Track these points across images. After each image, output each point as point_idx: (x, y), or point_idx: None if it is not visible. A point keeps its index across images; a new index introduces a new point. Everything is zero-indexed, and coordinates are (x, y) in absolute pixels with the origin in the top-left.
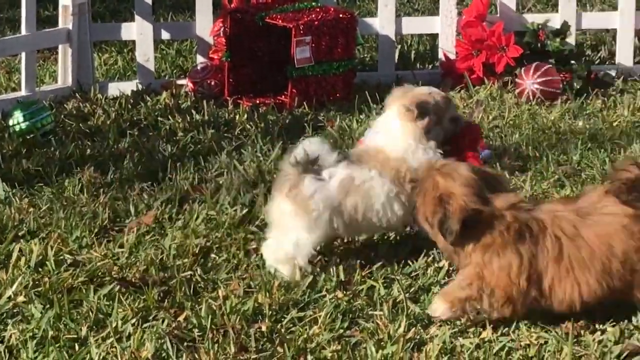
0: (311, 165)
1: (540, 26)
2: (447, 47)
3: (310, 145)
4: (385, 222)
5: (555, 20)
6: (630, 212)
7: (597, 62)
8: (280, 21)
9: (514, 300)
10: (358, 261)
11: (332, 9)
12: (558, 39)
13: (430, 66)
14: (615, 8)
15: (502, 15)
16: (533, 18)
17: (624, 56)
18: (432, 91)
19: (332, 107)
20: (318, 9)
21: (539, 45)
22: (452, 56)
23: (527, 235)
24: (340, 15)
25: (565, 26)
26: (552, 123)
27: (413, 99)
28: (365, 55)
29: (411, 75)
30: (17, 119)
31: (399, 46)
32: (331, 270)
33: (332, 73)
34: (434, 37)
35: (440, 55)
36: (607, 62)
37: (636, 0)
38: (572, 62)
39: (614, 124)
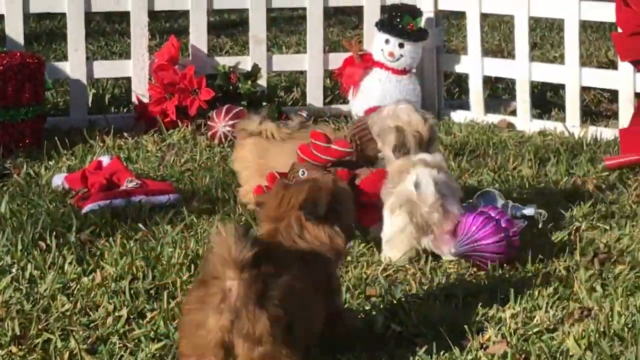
0: None
1: (231, 69)
2: (141, 90)
3: None
4: None
5: (246, 63)
6: None
7: (289, 103)
8: None
9: None
10: (35, 314)
11: (19, 54)
12: (249, 82)
13: (125, 110)
14: (306, 51)
15: (193, 59)
16: (224, 61)
17: (314, 97)
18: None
19: (20, 153)
20: (3, 54)
21: (230, 87)
22: (146, 100)
23: None
24: (27, 60)
25: (255, 69)
26: None
27: None
28: (59, 99)
29: (104, 120)
30: None
31: (93, 90)
32: (6, 324)
33: (20, 119)
34: (129, 80)
35: (134, 99)
36: (299, 103)
37: (328, 43)
38: (264, 103)
39: None
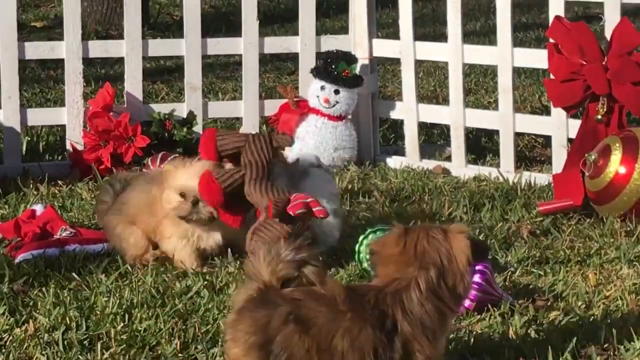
0: None
1: (167, 116)
2: (75, 137)
3: None
4: None
5: (182, 110)
6: None
7: None
8: None
9: None
10: None
11: None
12: (185, 128)
13: (59, 157)
14: (242, 97)
15: (129, 106)
16: (160, 108)
17: None
18: None
19: None
20: None
21: (166, 134)
22: (80, 147)
23: None
24: None
25: (191, 116)
26: None
27: None
28: None
29: (38, 168)
30: None
31: (27, 137)
32: None
33: None
34: (64, 127)
35: (68, 146)
36: None
37: (264, 89)
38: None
39: None
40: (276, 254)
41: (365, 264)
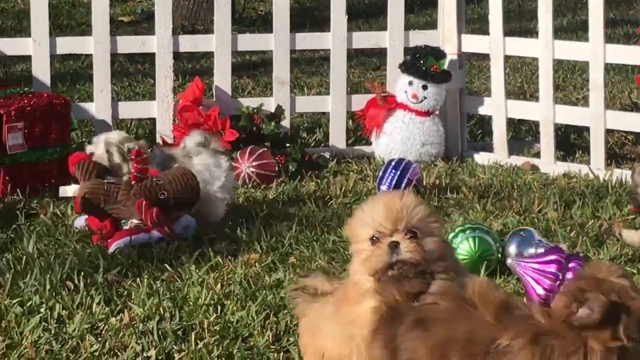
0: None
1: (255, 110)
2: (165, 131)
3: None
4: None
5: (269, 104)
6: None
7: (312, 144)
8: None
9: None
10: (64, 354)
11: (46, 95)
12: (273, 123)
13: (149, 150)
14: (329, 92)
15: (217, 100)
16: (248, 102)
17: (336, 138)
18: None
19: (46, 193)
20: (30, 95)
21: (254, 128)
22: (170, 140)
23: None
24: (54, 101)
25: (279, 110)
26: (265, 206)
27: None
28: (84, 139)
29: None
30: None
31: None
32: None
33: (46, 159)
34: (153, 120)
35: (158, 140)
36: (322, 144)
37: (349, 84)
38: (287, 144)
39: (327, 205)
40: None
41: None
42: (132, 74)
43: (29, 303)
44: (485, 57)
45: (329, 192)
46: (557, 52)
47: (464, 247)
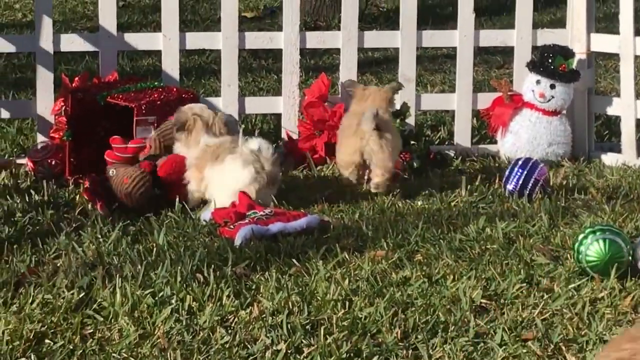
0: None
1: None
2: (290, 127)
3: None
4: None
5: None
6: None
7: (436, 142)
8: (122, 101)
9: None
10: (196, 345)
11: (175, 89)
12: (398, 120)
13: (274, 145)
14: (454, 90)
15: (343, 96)
16: None
17: (461, 137)
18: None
19: None
20: (160, 89)
21: None
22: (295, 136)
23: None
24: (183, 95)
25: (404, 107)
26: (391, 203)
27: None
28: None
29: None
30: None
31: (243, 125)
32: (168, 354)
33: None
34: (278, 116)
35: (283, 135)
36: (446, 142)
37: (473, 82)
38: (412, 142)
39: (452, 203)
40: None
41: (584, 264)
42: (256, 70)
43: (161, 294)
44: (612, 56)
45: (453, 190)
46: None
47: (594, 249)
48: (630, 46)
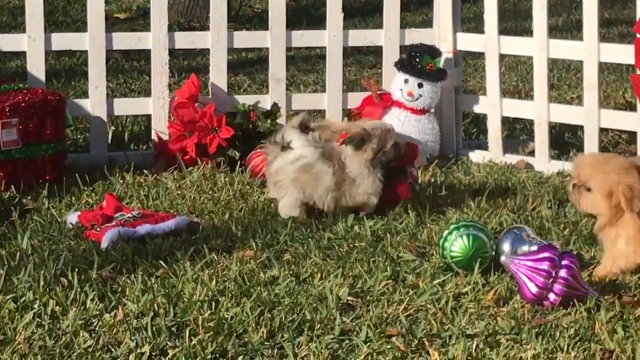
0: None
1: (251, 107)
2: (160, 128)
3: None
4: None
5: (265, 102)
6: None
7: None
8: None
9: None
10: (58, 350)
11: (40, 91)
12: (269, 120)
13: (144, 147)
14: (325, 90)
15: (213, 97)
16: (244, 99)
17: None
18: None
19: (41, 190)
20: (25, 91)
21: (250, 126)
22: (165, 137)
23: None
24: (49, 97)
25: (275, 107)
26: (262, 204)
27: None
28: (79, 136)
29: (124, 157)
30: None
31: (113, 127)
32: None
33: (41, 155)
34: (149, 117)
35: (153, 136)
36: None
37: (345, 82)
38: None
39: None
40: None
41: (448, 260)
42: (128, 71)
43: (23, 299)
44: (480, 55)
45: None
46: (552, 51)
47: (458, 245)
48: (495, 45)
